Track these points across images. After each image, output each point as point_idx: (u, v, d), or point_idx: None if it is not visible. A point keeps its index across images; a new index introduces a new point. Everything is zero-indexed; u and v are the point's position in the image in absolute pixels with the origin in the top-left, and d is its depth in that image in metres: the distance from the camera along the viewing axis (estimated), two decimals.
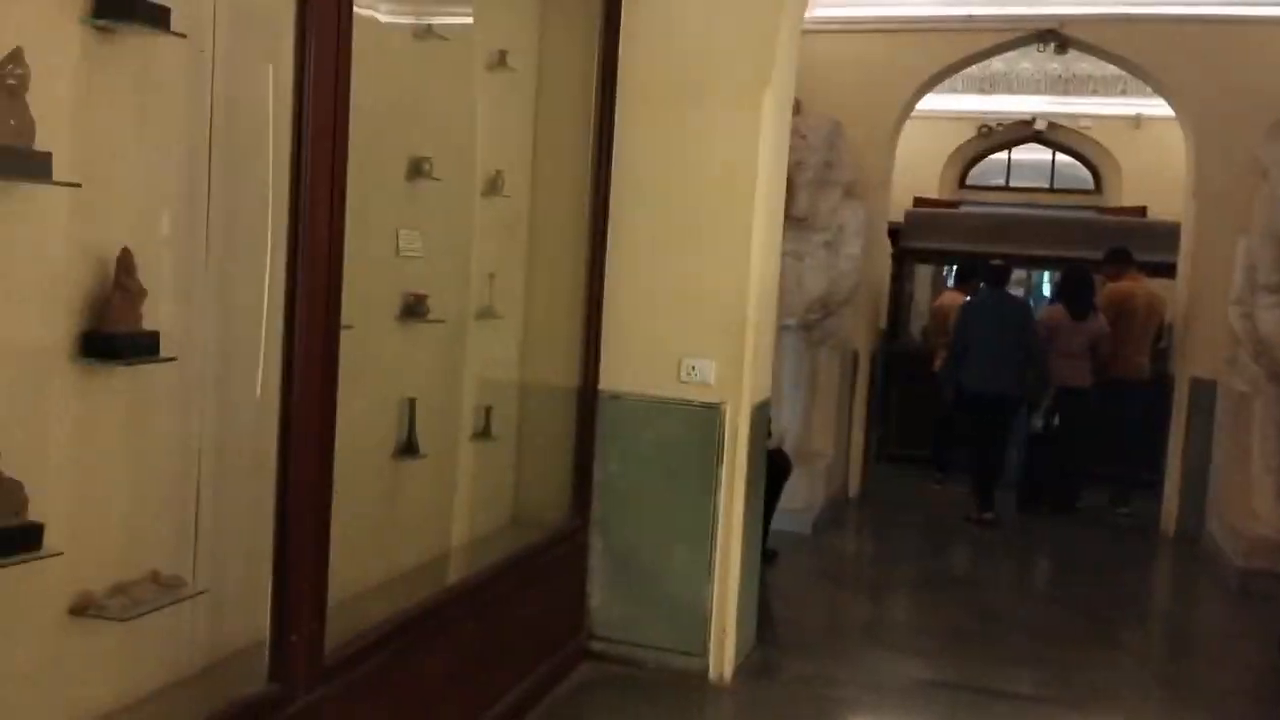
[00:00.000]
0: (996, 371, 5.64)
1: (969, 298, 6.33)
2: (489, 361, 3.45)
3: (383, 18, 2.65)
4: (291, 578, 2.09)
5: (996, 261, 6.08)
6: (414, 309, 2.86)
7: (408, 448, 2.90)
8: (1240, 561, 4.92)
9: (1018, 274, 7.47)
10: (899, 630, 4.21)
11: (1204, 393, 5.69)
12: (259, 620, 2.18)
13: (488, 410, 3.34)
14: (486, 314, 3.31)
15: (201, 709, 1.98)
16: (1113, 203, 9.00)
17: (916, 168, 7.24)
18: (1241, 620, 4.66)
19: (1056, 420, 6.19)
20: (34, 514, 1.65)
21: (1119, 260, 6.18)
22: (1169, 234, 6.50)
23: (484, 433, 3.34)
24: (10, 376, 1.71)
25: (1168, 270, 6.42)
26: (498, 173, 3.28)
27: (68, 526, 1.72)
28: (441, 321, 2.99)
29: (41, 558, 1.68)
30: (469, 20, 3.16)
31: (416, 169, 2.84)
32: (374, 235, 2.61)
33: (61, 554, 1.71)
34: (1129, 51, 5.78)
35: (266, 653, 2.11)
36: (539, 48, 3.48)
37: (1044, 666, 3.87)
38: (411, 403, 2.91)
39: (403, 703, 2.52)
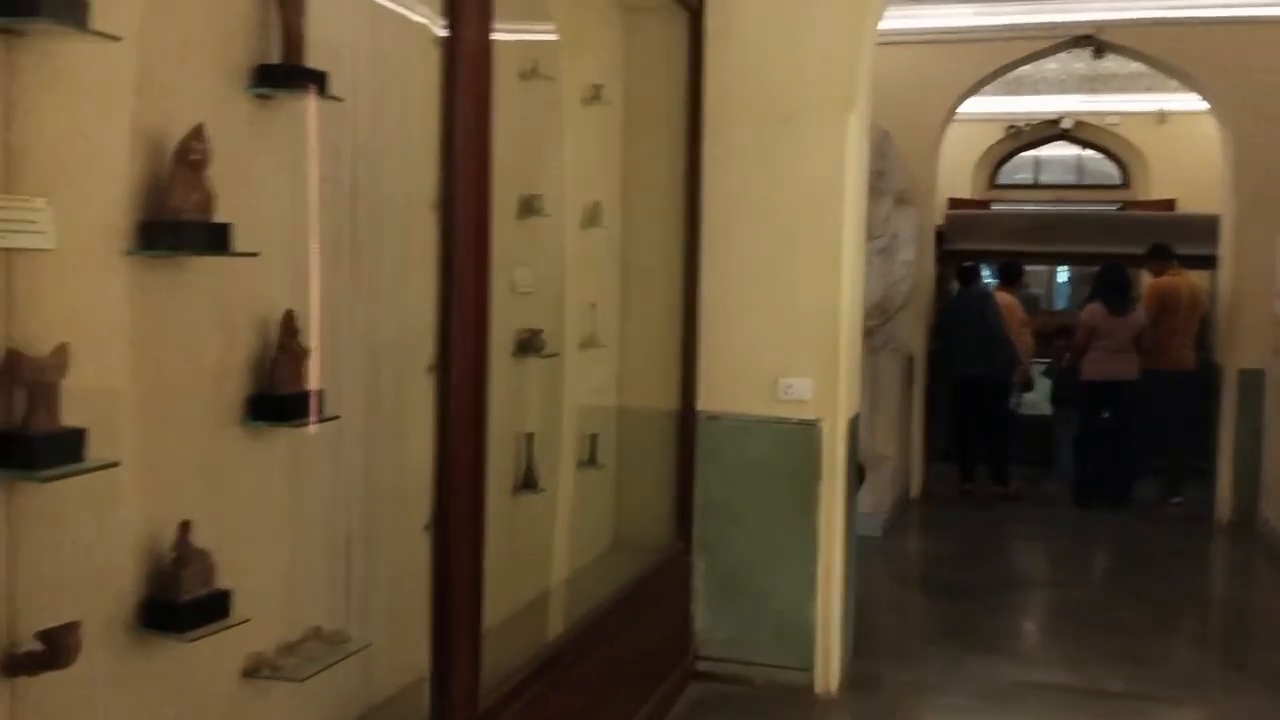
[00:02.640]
0: (977, 355, 6.28)
1: (1011, 297, 6.57)
2: (592, 390, 3.51)
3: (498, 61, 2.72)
4: (450, 629, 2.05)
5: (967, 264, 6.74)
6: (529, 344, 2.92)
7: (526, 482, 2.94)
8: None
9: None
10: (985, 632, 4.28)
11: (1252, 383, 5.79)
12: (401, 668, 2.21)
13: (593, 438, 3.41)
14: (589, 343, 3.38)
15: None
16: (1141, 196, 9.11)
17: (948, 170, 7.33)
18: None
19: (1106, 414, 6.30)
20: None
21: (1161, 256, 6.29)
22: (1202, 226, 6.61)
23: (590, 460, 3.40)
24: (189, 443, 1.73)
25: (1201, 262, 6.53)
26: (595, 204, 3.36)
27: (240, 588, 1.71)
28: (556, 355, 3.06)
29: (230, 626, 1.68)
30: (563, 55, 3.23)
31: (528, 207, 2.91)
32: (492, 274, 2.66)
33: (249, 620, 1.71)
34: (1166, 54, 5.87)
35: (416, 699, 2.07)
36: (625, 78, 3.55)
37: (1130, 661, 3.94)
38: (529, 438, 2.96)
39: None
